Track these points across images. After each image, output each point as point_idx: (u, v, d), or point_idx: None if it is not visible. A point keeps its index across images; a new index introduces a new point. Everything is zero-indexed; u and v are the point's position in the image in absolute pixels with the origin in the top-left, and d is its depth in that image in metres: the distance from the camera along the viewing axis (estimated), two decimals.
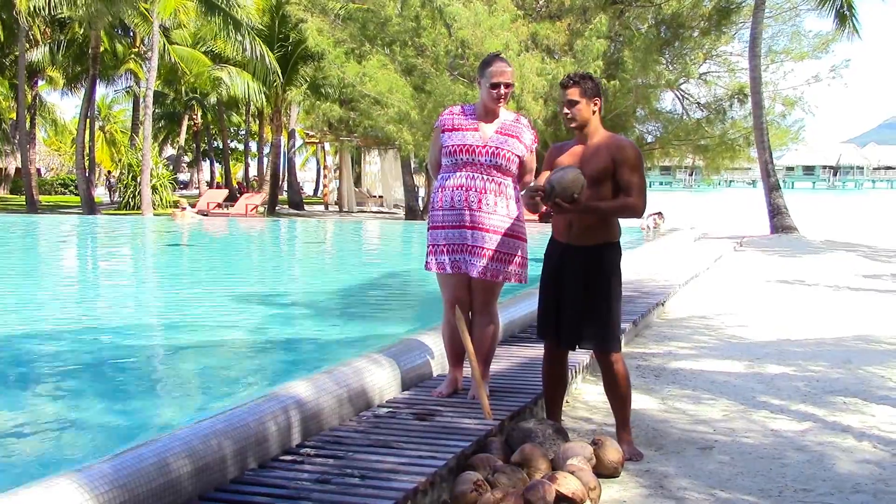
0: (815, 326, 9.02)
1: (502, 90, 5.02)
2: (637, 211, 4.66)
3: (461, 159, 5.05)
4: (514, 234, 5.11)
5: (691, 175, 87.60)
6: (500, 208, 5.06)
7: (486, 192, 5.03)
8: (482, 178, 5.02)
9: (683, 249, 17.03)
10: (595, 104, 4.70)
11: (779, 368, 7.02)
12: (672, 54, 28.00)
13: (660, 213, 23.79)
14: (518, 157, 5.09)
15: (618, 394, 4.85)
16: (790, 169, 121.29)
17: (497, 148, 5.04)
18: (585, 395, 6.09)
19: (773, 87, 27.64)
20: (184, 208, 32.28)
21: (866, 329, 8.79)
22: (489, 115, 5.12)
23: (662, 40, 27.05)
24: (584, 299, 4.70)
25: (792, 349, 7.83)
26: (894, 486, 4.34)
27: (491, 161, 5.02)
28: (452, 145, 5.08)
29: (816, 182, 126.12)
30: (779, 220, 23.98)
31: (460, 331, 4.98)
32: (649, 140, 29.85)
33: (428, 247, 5.24)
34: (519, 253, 5.14)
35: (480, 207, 5.03)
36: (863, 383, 6.51)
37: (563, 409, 5.73)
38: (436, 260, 5.17)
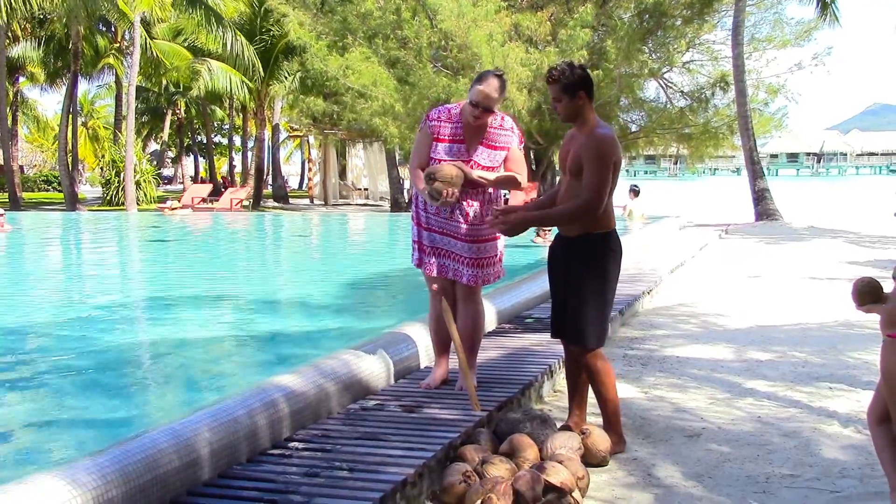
0: (800, 313, 9.06)
1: (478, 111, 4.95)
2: (587, 208, 4.42)
3: None
4: (496, 236, 5.13)
5: (676, 164, 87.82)
6: (485, 216, 5.06)
7: (471, 205, 5.02)
8: (466, 190, 5.00)
9: (668, 238, 17.06)
10: (580, 98, 4.51)
11: (764, 355, 7.05)
12: (655, 43, 27.94)
13: (633, 189, 22.68)
14: (500, 166, 5.08)
15: (595, 390, 4.74)
16: (774, 156, 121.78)
17: (477, 164, 5.02)
18: None
19: (756, 75, 27.66)
20: (174, 208, 32.24)
21: (850, 315, 8.80)
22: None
23: (645, 29, 27.01)
24: (564, 290, 4.66)
25: (777, 336, 7.86)
26: (880, 470, 4.35)
27: (471, 176, 5.00)
28: (439, 159, 5.04)
29: (800, 169, 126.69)
30: (763, 207, 24.07)
31: (447, 322, 4.97)
32: (633, 129, 29.82)
33: (413, 242, 5.24)
34: (499, 252, 5.18)
35: (468, 220, 5.03)
36: (848, 369, 6.54)
37: (551, 399, 5.74)
38: (424, 259, 5.18)
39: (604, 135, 4.51)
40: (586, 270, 4.56)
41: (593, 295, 4.57)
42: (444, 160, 5.01)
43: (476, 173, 4.96)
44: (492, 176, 5.02)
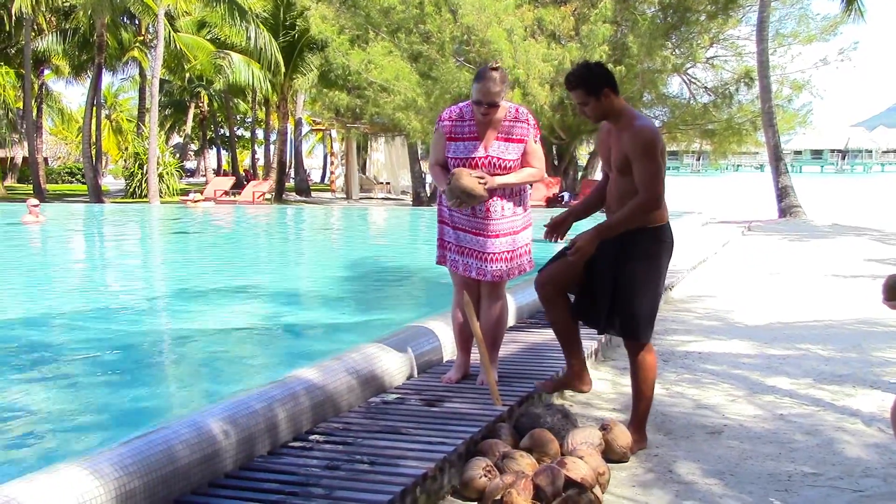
0: (823, 310, 9.00)
1: (483, 108, 4.91)
2: (646, 207, 4.41)
3: None
4: (520, 229, 5.12)
5: (698, 160, 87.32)
6: (506, 211, 5.05)
7: (492, 199, 5.00)
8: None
9: (691, 234, 16.99)
10: (606, 95, 4.44)
11: (787, 352, 7.01)
12: (678, 38, 27.85)
13: None
14: (520, 158, 5.05)
15: (635, 385, 4.72)
16: (798, 153, 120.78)
17: (498, 158, 4.99)
18: (594, 382, 6.06)
19: (780, 71, 27.50)
20: (196, 201, 32.39)
21: (874, 313, 8.75)
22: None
23: (668, 24, 26.93)
24: (613, 285, 4.55)
25: (800, 333, 7.82)
26: None
27: (492, 171, 4.98)
28: (455, 158, 5.04)
29: (825, 166, 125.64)
30: (786, 204, 23.92)
31: (468, 316, 4.97)
32: (656, 125, 29.73)
33: (438, 240, 5.25)
34: (525, 244, 5.15)
35: (489, 215, 5.02)
36: (871, 367, 6.50)
37: (572, 394, 5.72)
38: (448, 257, 5.18)
39: (644, 127, 4.45)
40: (642, 263, 4.52)
41: (646, 288, 4.55)
42: (460, 159, 5.01)
43: (497, 181, 4.94)
44: (511, 178, 5.00)
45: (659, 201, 4.43)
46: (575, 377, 4.87)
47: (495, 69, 4.94)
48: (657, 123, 29.64)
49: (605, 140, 4.61)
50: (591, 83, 4.44)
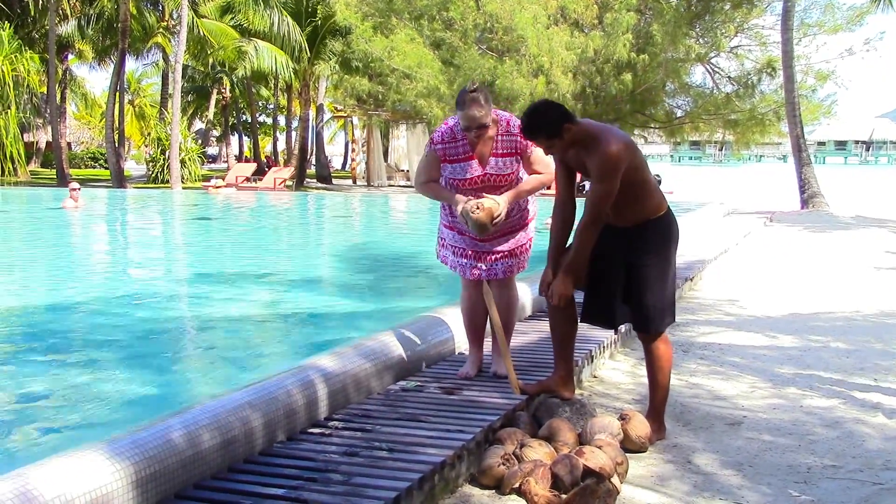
0: (845, 303, 8.95)
1: (473, 133, 4.79)
2: (590, 226, 4.41)
3: (463, 190, 4.94)
4: (525, 223, 5.12)
5: (721, 150, 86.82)
6: (512, 213, 5.01)
7: None
8: (486, 195, 4.89)
9: (713, 225, 16.92)
10: (566, 131, 4.36)
11: (808, 344, 6.98)
12: (702, 27, 27.63)
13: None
14: (518, 168, 4.97)
15: (651, 375, 4.71)
16: (822, 144, 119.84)
17: (496, 175, 4.91)
18: (613, 372, 6.08)
19: (805, 61, 27.23)
20: (218, 187, 32.52)
21: None
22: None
23: (692, 13, 26.72)
24: (624, 280, 4.55)
25: (821, 325, 7.78)
26: None
27: (492, 187, 4.90)
28: (454, 180, 4.95)
29: (848, 157, 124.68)
30: (809, 195, 23.76)
31: (487, 304, 4.96)
32: (679, 114, 29.56)
33: (439, 239, 5.24)
34: (529, 239, 5.17)
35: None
36: (893, 359, 6.46)
37: (590, 384, 5.72)
38: (458, 263, 5.16)
39: (605, 151, 4.34)
40: (649, 258, 4.52)
41: (657, 281, 4.54)
42: (458, 180, 4.92)
43: (510, 196, 4.89)
44: (521, 192, 4.95)
45: (600, 216, 4.40)
46: (560, 382, 4.83)
47: (475, 91, 4.76)
48: (680, 113, 29.47)
49: (577, 159, 4.53)
50: (548, 128, 4.37)
